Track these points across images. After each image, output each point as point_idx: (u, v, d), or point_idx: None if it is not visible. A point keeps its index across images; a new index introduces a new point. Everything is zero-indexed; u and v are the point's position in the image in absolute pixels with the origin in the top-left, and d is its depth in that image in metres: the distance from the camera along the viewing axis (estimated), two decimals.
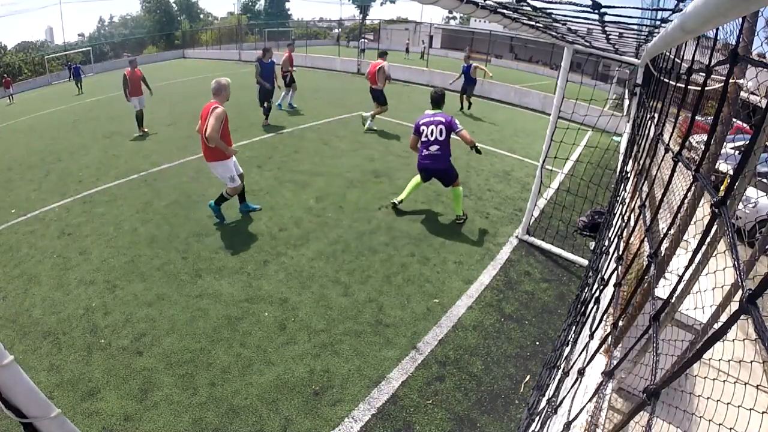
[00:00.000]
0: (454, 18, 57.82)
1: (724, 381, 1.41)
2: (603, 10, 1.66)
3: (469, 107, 14.53)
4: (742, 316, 0.61)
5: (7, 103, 22.08)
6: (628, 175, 4.39)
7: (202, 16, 59.21)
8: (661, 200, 1.63)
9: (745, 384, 1.37)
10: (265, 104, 11.43)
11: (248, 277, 4.92)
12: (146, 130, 11.06)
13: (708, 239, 1.89)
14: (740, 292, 0.60)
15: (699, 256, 1.78)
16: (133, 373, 3.61)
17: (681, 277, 1.15)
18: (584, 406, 1.83)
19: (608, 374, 1.52)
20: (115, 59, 40.13)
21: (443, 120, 5.94)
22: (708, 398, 1.47)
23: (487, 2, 2.03)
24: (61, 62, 36.61)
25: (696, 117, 1.45)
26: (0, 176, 8.63)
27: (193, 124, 11.56)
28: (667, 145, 1.70)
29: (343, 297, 4.64)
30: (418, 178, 6.41)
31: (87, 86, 23.01)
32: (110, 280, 4.86)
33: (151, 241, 5.64)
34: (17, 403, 0.73)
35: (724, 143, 1.94)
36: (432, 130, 5.96)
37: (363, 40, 31.43)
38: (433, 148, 5.97)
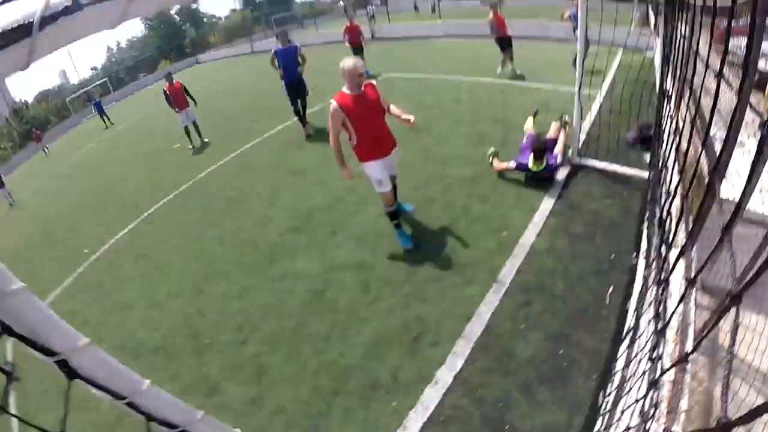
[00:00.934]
0: None
1: None
2: None
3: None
4: None
5: (43, 156, 22.61)
6: (670, 93, 4.25)
7: (205, 19, 59.11)
8: (712, 114, 1.61)
9: None
10: (300, 107, 8.91)
11: (320, 250, 5.10)
12: (205, 140, 10.82)
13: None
14: None
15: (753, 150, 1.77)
16: (244, 361, 3.89)
17: (749, 179, 1.16)
18: (675, 310, 1.89)
19: (691, 282, 1.56)
20: (133, 82, 40.72)
21: (550, 172, 5.55)
22: None
23: None
24: (82, 99, 37.46)
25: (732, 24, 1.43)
26: (62, 223, 9.16)
27: (222, 125, 11.78)
28: (707, 62, 1.66)
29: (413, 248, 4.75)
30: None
31: (114, 115, 23.37)
32: (195, 285, 5.17)
33: (220, 242, 5.92)
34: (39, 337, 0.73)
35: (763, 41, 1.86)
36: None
37: (370, 6, 30.35)
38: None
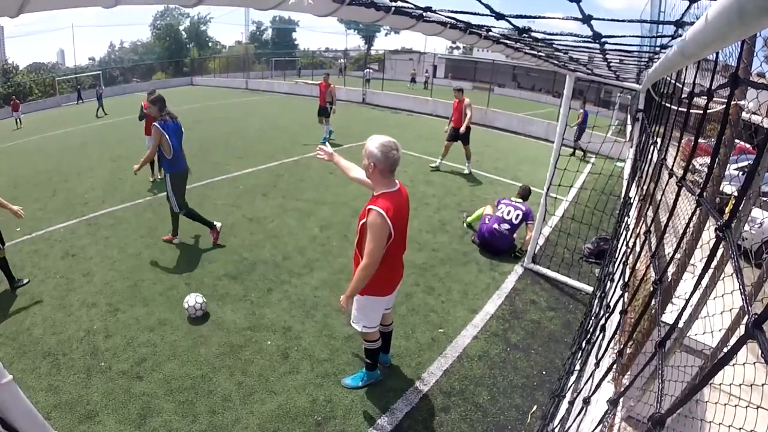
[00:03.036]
0: (458, 48, 58.61)
1: (735, 405, 1.38)
2: (603, 40, 1.68)
3: (585, 156, 13.00)
4: (748, 341, 0.60)
5: (14, 127, 21.89)
6: (632, 201, 4.38)
7: (210, 44, 60.17)
8: (666, 225, 1.62)
9: (758, 408, 1.34)
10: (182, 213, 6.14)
11: (251, 305, 4.88)
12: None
13: (714, 263, 1.87)
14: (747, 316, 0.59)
15: (706, 280, 1.75)
16: (132, 397, 3.56)
17: (687, 302, 1.13)
18: None
19: (613, 402, 1.49)
20: (124, 84, 40.73)
21: (523, 210, 6.38)
22: (720, 424, 1.43)
23: (489, 33, 2.06)
24: (71, 84, 37.17)
25: (699, 140, 1.46)
26: (6, 194, 8.60)
27: (200, 151, 11.70)
28: (671, 169, 1.70)
29: (346, 326, 4.54)
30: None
31: (95, 110, 23.21)
32: (112, 303, 4.84)
33: (154, 266, 5.64)
34: (14, 422, 0.72)
35: (728, 165, 1.93)
36: (510, 211, 6.37)
37: (368, 70, 31.82)
38: (504, 226, 6.29)
